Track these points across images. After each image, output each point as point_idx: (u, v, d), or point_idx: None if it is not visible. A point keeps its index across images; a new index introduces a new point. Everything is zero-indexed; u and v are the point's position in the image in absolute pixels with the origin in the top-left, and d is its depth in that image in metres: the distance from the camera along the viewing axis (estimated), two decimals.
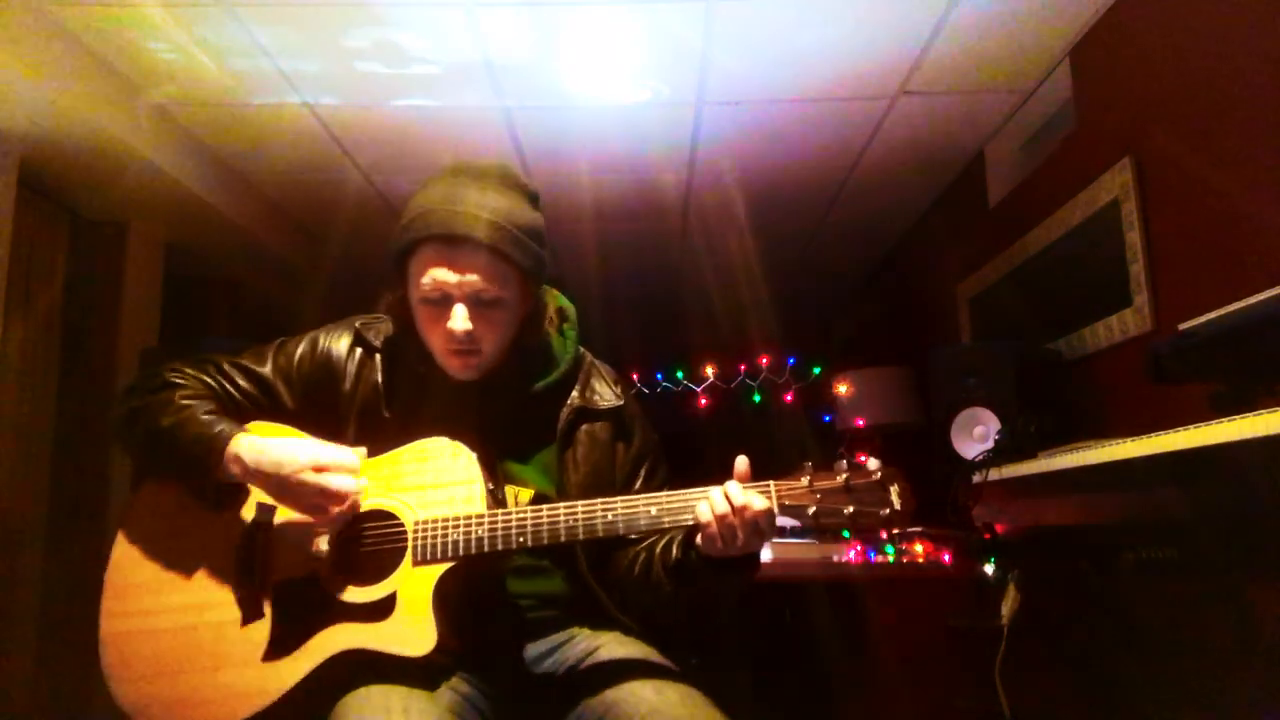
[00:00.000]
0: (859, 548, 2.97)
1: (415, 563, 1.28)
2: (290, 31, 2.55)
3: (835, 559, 2.96)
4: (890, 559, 2.92)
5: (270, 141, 3.26)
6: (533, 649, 1.40)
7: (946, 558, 2.89)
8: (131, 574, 1.36)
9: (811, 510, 1.25)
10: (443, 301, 1.34)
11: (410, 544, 1.29)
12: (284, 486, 1.28)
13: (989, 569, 2.43)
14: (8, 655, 2.84)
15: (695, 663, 1.47)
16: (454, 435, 1.36)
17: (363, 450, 1.33)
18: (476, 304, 1.34)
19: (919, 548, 2.96)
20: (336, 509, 1.28)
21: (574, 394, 1.48)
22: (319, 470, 1.28)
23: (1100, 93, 2.58)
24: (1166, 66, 2.22)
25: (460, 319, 1.33)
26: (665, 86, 2.91)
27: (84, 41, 2.60)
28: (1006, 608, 2.32)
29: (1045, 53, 2.73)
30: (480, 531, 1.27)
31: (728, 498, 1.23)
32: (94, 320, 3.32)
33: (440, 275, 1.33)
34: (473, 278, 1.33)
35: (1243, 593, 1.63)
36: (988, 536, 2.49)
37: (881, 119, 3.14)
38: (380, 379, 1.43)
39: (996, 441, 2.36)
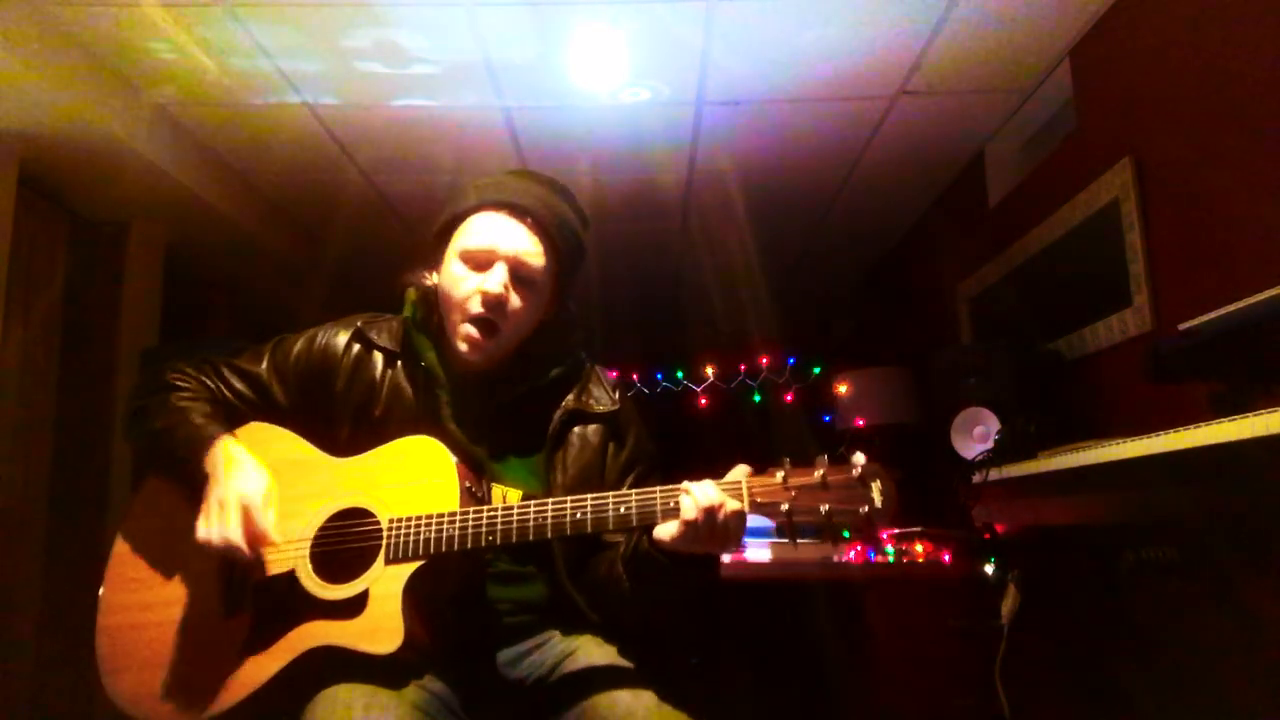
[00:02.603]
0: (859, 548, 2.97)
1: (388, 561, 1.28)
2: (290, 31, 2.55)
3: (835, 559, 2.96)
4: (890, 559, 2.92)
5: (270, 141, 3.26)
6: (508, 652, 1.40)
7: (946, 558, 2.89)
8: (129, 568, 1.39)
9: (785, 507, 1.20)
10: (485, 263, 1.38)
11: (384, 542, 1.29)
12: (219, 487, 1.31)
13: (989, 569, 2.43)
14: (8, 655, 2.84)
15: (695, 662, 1.47)
16: (448, 434, 1.37)
17: (272, 541, 1.32)
18: (514, 277, 1.38)
19: (919, 548, 2.96)
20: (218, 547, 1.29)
21: (569, 397, 1.48)
22: (243, 510, 1.29)
23: (1100, 93, 2.58)
24: (1166, 66, 2.22)
25: (496, 280, 1.37)
26: (665, 86, 2.91)
27: (84, 41, 2.60)
28: (1006, 608, 2.32)
29: (1045, 53, 2.73)
30: (451, 530, 1.27)
31: (698, 497, 1.20)
32: (94, 320, 3.32)
33: (494, 235, 1.39)
34: (523, 246, 1.39)
35: (1243, 593, 1.63)
36: (988, 536, 2.49)
37: (881, 119, 3.14)
38: (377, 377, 1.44)
39: (996, 441, 2.36)
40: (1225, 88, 2.01)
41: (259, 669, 1.28)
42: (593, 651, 1.38)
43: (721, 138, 3.28)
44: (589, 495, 1.27)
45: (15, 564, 2.90)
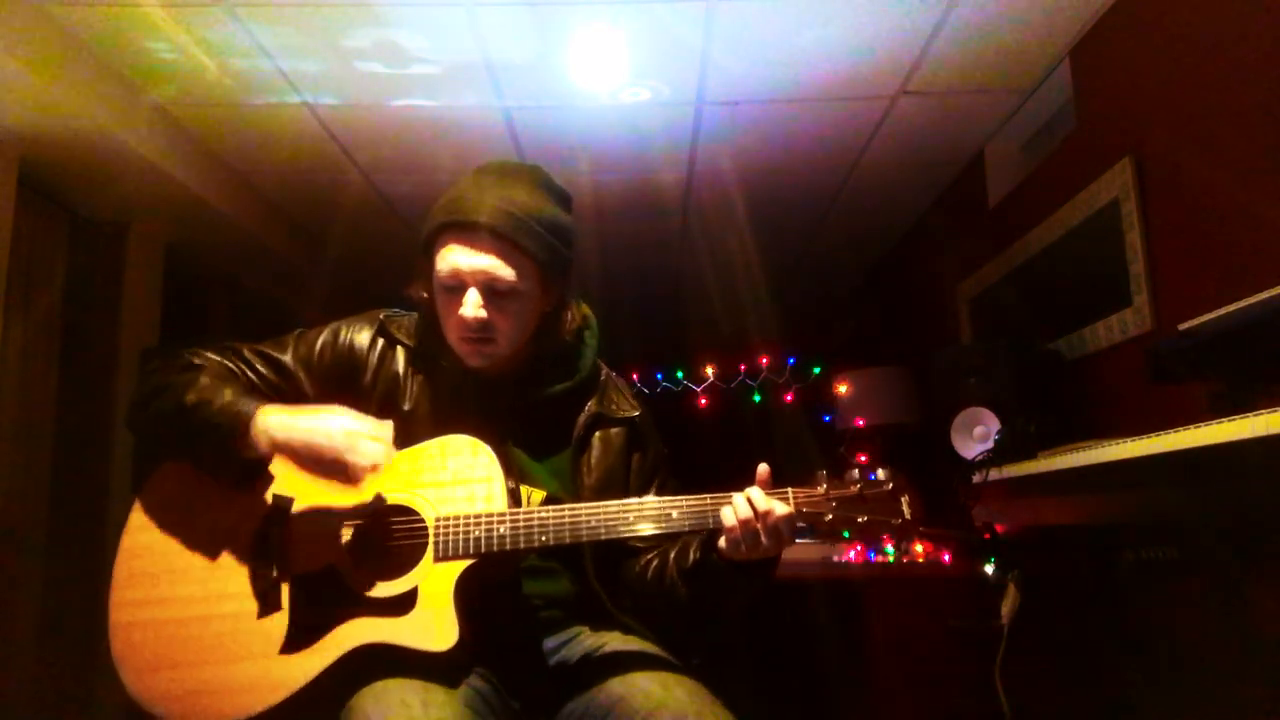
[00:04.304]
0: (859, 548, 2.97)
1: (437, 558, 1.29)
2: (290, 31, 2.55)
3: (835, 559, 2.96)
4: (890, 559, 2.92)
5: (270, 141, 3.26)
6: (540, 645, 1.40)
7: (946, 558, 2.89)
8: (143, 562, 1.35)
9: (828, 518, 1.30)
10: (458, 289, 1.36)
11: (431, 540, 1.30)
12: (313, 455, 1.27)
13: (989, 569, 2.43)
14: (8, 655, 2.84)
15: (696, 662, 1.47)
16: (471, 433, 1.37)
17: (389, 424, 1.33)
18: (490, 293, 1.36)
19: (919, 548, 2.96)
20: (361, 473, 1.26)
21: (591, 401, 1.49)
22: (349, 436, 1.26)
23: (1100, 93, 2.58)
24: (1166, 66, 2.22)
25: (471, 305, 1.34)
26: (665, 86, 2.91)
27: (84, 41, 2.60)
28: (1006, 608, 2.32)
29: (1045, 53, 2.73)
30: (503, 529, 1.28)
31: (751, 503, 1.26)
32: (94, 320, 3.31)
33: (455, 261, 1.35)
34: (484, 263, 1.34)
35: (1243, 593, 1.63)
36: (988, 536, 2.48)
37: (881, 119, 3.14)
38: (400, 372, 1.44)
39: (996, 441, 2.36)
40: (1225, 88, 2.01)
41: (302, 667, 1.26)
42: (620, 647, 1.39)
43: (721, 138, 3.28)
44: (646, 499, 1.31)
45: (15, 565, 2.90)
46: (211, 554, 1.33)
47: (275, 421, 1.29)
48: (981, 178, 3.40)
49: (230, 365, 1.42)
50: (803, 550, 2.96)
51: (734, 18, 2.51)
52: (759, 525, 1.25)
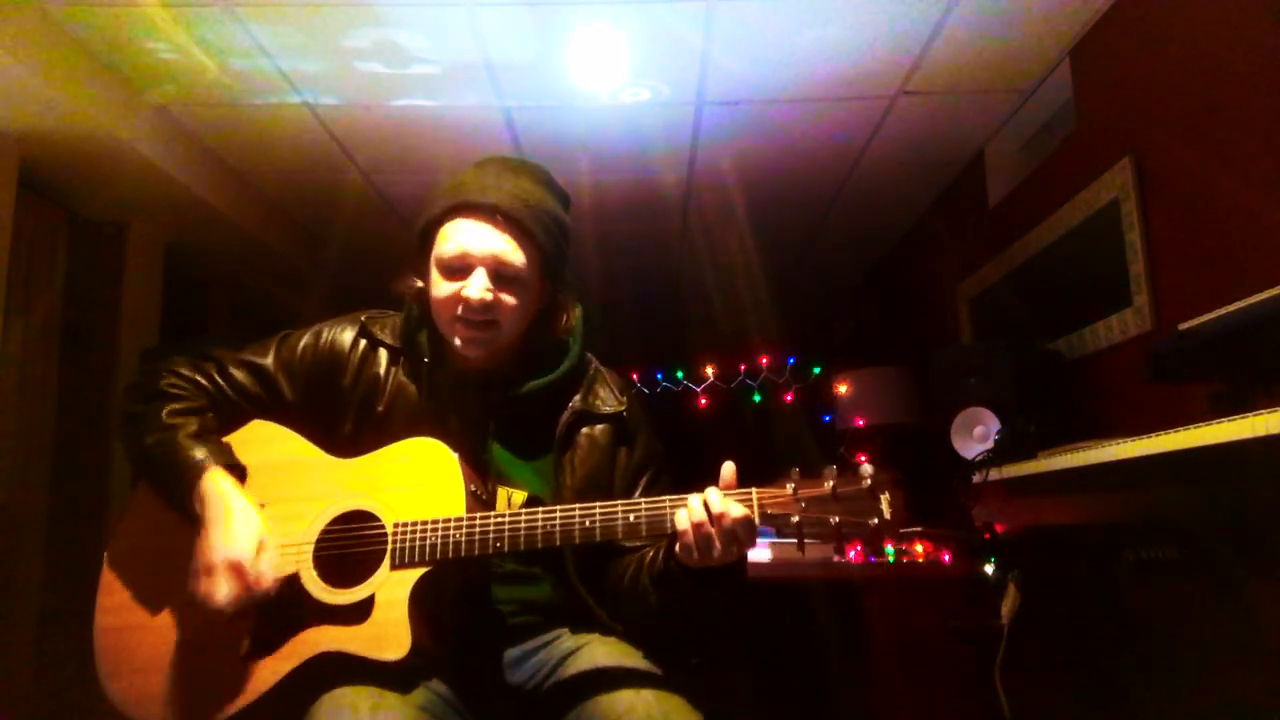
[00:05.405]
0: (859, 548, 2.97)
1: (393, 566, 1.27)
2: (290, 31, 2.55)
3: (835, 559, 2.95)
4: (890, 559, 2.92)
5: (270, 141, 3.26)
6: (514, 652, 1.39)
7: (946, 558, 2.89)
8: (126, 569, 1.37)
9: (795, 519, 1.20)
10: (463, 270, 1.35)
11: (389, 546, 1.28)
12: (207, 549, 1.27)
13: (989, 569, 2.43)
14: (8, 655, 2.84)
15: (695, 663, 1.46)
16: (452, 433, 1.35)
17: (276, 577, 1.29)
18: (497, 278, 1.35)
19: (919, 548, 2.95)
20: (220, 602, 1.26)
21: (576, 398, 1.47)
22: (232, 572, 1.26)
23: (1100, 93, 2.58)
24: (1166, 66, 2.22)
25: (478, 287, 1.33)
26: (665, 86, 2.91)
27: (84, 41, 2.60)
28: (1006, 608, 2.31)
29: (1045, 53, 2.73)
30: (458, 535, 1.26)
31: (706, 505, 1.19)
32: (94, 320, 3.32)
33: (466, 241, 1.35)
34: (497, 245, 1.35)
35: (1243, 593, 1.63)
36: (988, 536, 2.48)
37: (881, 119, 3.14)
38: (381, 373, 1.43)
39: (996, 441, 2.36)
40: (1225, 88, 2.01)
41: (263, 674, 1.27)
42: (597, 649, 1.37)
43: (721, 138, 3.28)
44: (597, 504, 1.26)
45: (15, 564, 2.90)
46: (189, 561, 1.33)
47: (212, 494, 1.30)
48: (981, 178, 3.40)
49: (205, 384, 1.41)
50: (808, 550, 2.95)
51: (734, 18, 2.51)
52: (712, 529, 1.17)
